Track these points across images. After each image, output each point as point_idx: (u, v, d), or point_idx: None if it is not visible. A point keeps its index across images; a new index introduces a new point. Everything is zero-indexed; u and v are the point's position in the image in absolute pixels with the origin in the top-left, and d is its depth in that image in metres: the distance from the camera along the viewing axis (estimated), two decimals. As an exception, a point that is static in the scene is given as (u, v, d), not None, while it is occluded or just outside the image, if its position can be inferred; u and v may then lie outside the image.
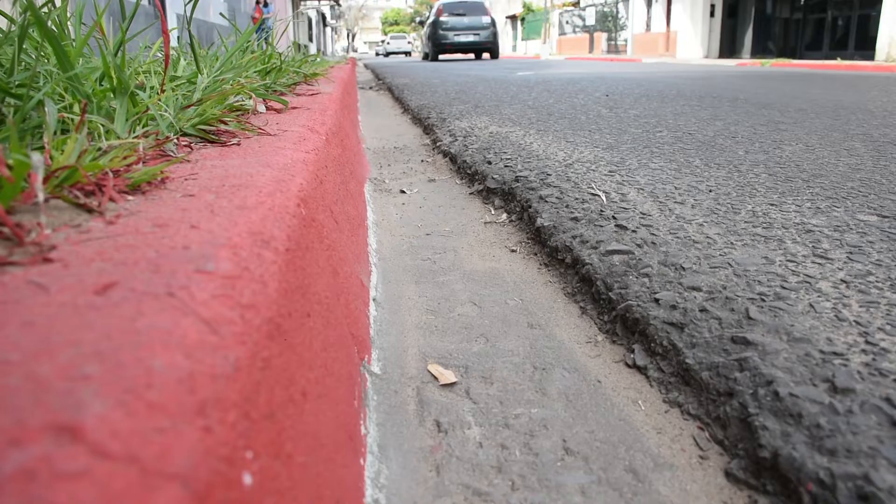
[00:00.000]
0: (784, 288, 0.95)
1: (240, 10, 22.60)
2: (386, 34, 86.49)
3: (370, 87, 7.17)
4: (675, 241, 1.18)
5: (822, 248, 1.13)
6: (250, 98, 1.70)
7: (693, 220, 1.31)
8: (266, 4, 19.61)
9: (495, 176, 1.84)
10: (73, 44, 1.48)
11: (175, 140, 0.97)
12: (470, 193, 1.93)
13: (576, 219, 1.34)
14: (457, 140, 2.57)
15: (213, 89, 1.44)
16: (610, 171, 1.77)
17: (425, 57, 22.55)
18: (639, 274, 1.04)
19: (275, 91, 2.28)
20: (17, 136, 0.60)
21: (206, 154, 0.98)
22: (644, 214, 1.35)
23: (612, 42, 32.85)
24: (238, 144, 1.08)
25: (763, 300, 0.91)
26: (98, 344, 0.34)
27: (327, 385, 0.62)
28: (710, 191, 1.55)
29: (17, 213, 0.59)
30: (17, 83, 0.97)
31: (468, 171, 2.07)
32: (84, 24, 1.89)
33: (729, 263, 1.05)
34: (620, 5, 32.12)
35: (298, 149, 1.10)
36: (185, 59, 1.84)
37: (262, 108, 1.69)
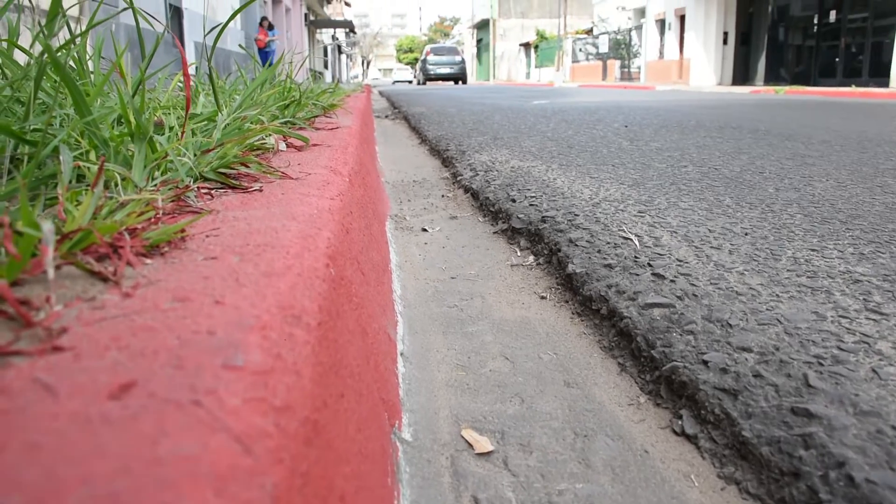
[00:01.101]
0: (841, 349, 0.89)
1: (279, 47, 22.84)
2: (400, 61, 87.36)
3: (386, 116, 7.16)
4: (717, 292, 1.12)
5: (873, 301, 1.07)
6: (270, 136, 1.67)
7: (733, 267, 1.25)
8: (271, 27, 19.38)
9: (520, 215, 1.79)
10: (92, 81, 1.45)
11: (195, 189, 0.92)
12: (494, 233, 1.87)
13: (609, 266, 1.28)
14: (478, 175, 2.52)
15: (233, 129, 1.40)
16: (639, 212, 1.71)
17: (419, 83, 32.16)
18: (682, 331, 0.98)
19: (294, 125, 2.25)
20: (27, 198, 0.55)
21: (227, 202, 0.93)
22: (681, 261, 1.29)
23: (626, 69, 32.95)
24: (260, 191, 1.04)
25: (821, 364, 0.85)
26: (113, 481, 0.29)
27: (363, 473, 0.57)
28: (746, 234, 1.49)
29: (25, 284, 0.54)
30: (32, 128, 0.93)
31: (491, 209, 2.02)
32: (104, 59, 1.87)
33: (778, 319, 0.99)
34: (633, 33, 32.26)
35: (323, 195, 1.05)
36: (204, 93, 1.81)
37: (282, 145, 1.65)
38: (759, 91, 15.73)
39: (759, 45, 24.45)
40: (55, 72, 0.93)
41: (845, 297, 1.08)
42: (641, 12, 31.15)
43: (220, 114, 1.50)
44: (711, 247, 1.39)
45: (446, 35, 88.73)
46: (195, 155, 1.05)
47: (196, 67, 4.25)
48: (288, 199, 0.98)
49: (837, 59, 20.11)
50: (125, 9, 1.21)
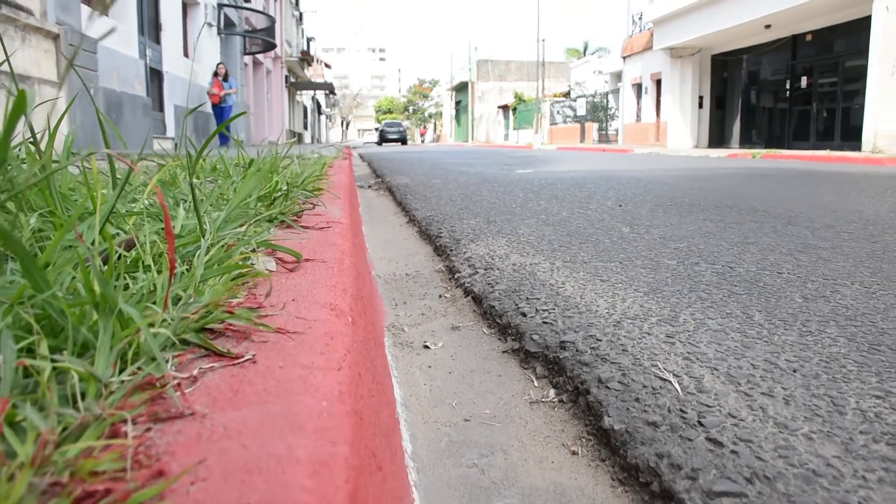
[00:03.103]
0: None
1: (238, 102, 22.84)
2: (379, 122, 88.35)
3: (369, 186, 7.04)
4: (790, 472, 0.95)
5: (979, 485, 0.90)
6: (259, 255, 1.50)
7: (797, 428, 1.08)
8: (226, 78, 16.75)
9: (534, 336, 1.62)
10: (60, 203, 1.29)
11: (176, 382, 0.75)
12: (503, 352, 1.70)
13: (654, 424, 1.11)
14: (477, 272, 2.36)
15: (218, 258, 1.24)
16: (667, 336, 1.55)
17: (378, 143, 48.07)
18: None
19: (282, 223, 2.10)
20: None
21: (214, 391, 0.76)
22: (734, 417, 1.12)
23: (603, 132, 33.44)
24: (253, 361, 0.86)
25: None
26: None
27: None
28: (794, 370, 1.33)
29: None
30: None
31: (498, 321, 1.86)
32: (74, 155, 1.71)
33: (881, 523, 0.82)
34: (610, 96, 32.85)
35: (329, 364, 0.88)
36: (184, 208, 1.64)
37: (272, 264, 1.49)
38: (736, 155, 15.92)
39: (734, 109, 24.96)
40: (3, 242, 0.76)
41: (944, 480, 0.92)
42: (618, 76, 31.82)
43: (202, 238, 1.33)
44: (762, 392, 1.22)
45: (425, 97, 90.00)
46: (172, 320, 0.88)
47: (175, 145, 4.10)
48: (288, 381, 0.80)
49: (810, 123, 20.51)
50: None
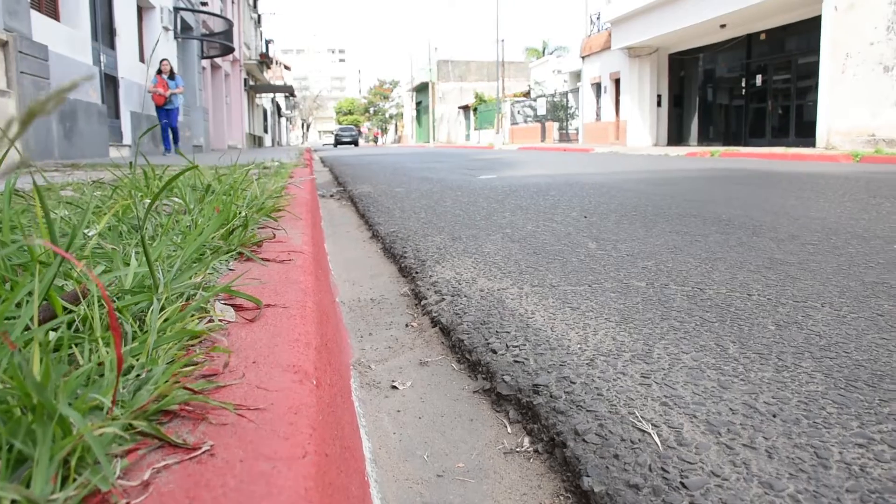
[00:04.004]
0: None
1: (195, 106, 22.50)
2: (340, 123, 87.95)
3: (331, 196, 6.95)
4: (782, 544, 0.91)
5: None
6: (216, 303, 1.43)
7: (782, 488, 1.04)
8: (172, 76, 15.54)
9: (506, 378, 1.57)
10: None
11: (124, 490, 0.68)
12: (474, 391, 1.65)
13: (636, 487, 1.07)
14: (444, 299, 2.31)
15: (172, 320, 1.16)
16: (642, 376, 1.51)
17: (333, 145, 55.84)
18: None
19: (241, 256, 2.02)
20: None
21: (168, 502, 0.69)
22: (717, 476, 1.08)
23: (564, 131, 33.65)
24: (212, 454, 0.80)
25: None
26: None
27: None
28: (774, 415, 1.30)
29: None
30: None
31: (467, 357, 1.80)
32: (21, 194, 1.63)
33: None
34: (570, 95, 33.05)
35: (294, 453, 0.82)
36: (133, 248, 1.56)
37: (230, 314, 1.42)
38: (695, 154, 16.12)
39: (692, 107, 25.28)
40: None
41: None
42: (577, 75, 32.04)
43: (155, 293, 1.25)
44: (743, 444, 1.18)
45: (386, 98, 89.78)
46: (122, 411, 0.81)
47: (130, 163, 3.97)
48: (250, 481, 0.74)
49: (766, 120, 20.86)
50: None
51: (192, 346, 1.18)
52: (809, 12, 17.33)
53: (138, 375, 0.97)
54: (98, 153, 12.76)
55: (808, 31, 17.96)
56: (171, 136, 15.56)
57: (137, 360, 1.02)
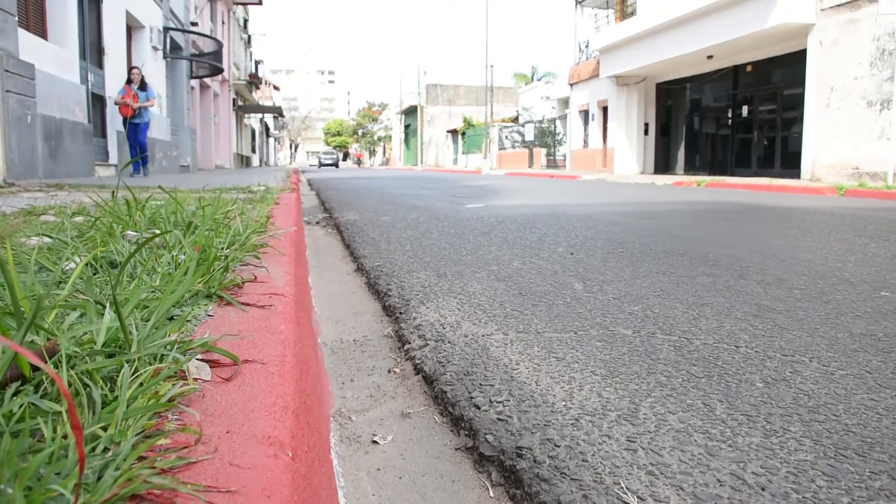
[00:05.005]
0: None
1: (182, 126, 22.44)
2: (328, 144, 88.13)
3: (317, 222, 6.91)
4: None
5: None
6: (191, 361, 1.38)
7: (773, 576, 1.01)
8: (143, 87, 14.20)
9: (489, 437, 1.53)
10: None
11: None
12: (456, 448, 1.61)
13: (621, 573, 1.03)
14: (427, 344, 2.27)
15: (144, 387, 1.12)
16: (628, 440, 1.47)
17: (318, 167, 60.13)
18: None
19: (221, 298, 1.97)
20: None
21: None
22: (706, 560, 1.04)
23: (551, 157, 33.81)
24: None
25: None
26: None
27: None
28: (763, 488, 1.26)
29: None
30: None
31: (450, 410, 1.76)
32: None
33: None
34: (558, 122, 33.25)
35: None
36: (110, 307, 1.51)
37: (206, 372, 1.37)
38: (681, 183, 16.20)
39: (678, 136, 25.47)
40: None
41: None
42: (565, 102, 32.24)
43: (127, 355, 1.21)
44: (732, 522, 1.15)
45: (374, 120, 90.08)
46: (87, 497, 0.76)
47: (112, 192, 3.91)
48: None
49: (752, 151, 21.04)
50: None
51: (165, 412, 1.13)
52: (795, 46, 17.56)
53: (105, 449, 0.92)
54: (83, 172, 12.66)
55: (793, 64, 18.20)
56: (139, 155, 13.74)
57: (106, 430, 0.98)
